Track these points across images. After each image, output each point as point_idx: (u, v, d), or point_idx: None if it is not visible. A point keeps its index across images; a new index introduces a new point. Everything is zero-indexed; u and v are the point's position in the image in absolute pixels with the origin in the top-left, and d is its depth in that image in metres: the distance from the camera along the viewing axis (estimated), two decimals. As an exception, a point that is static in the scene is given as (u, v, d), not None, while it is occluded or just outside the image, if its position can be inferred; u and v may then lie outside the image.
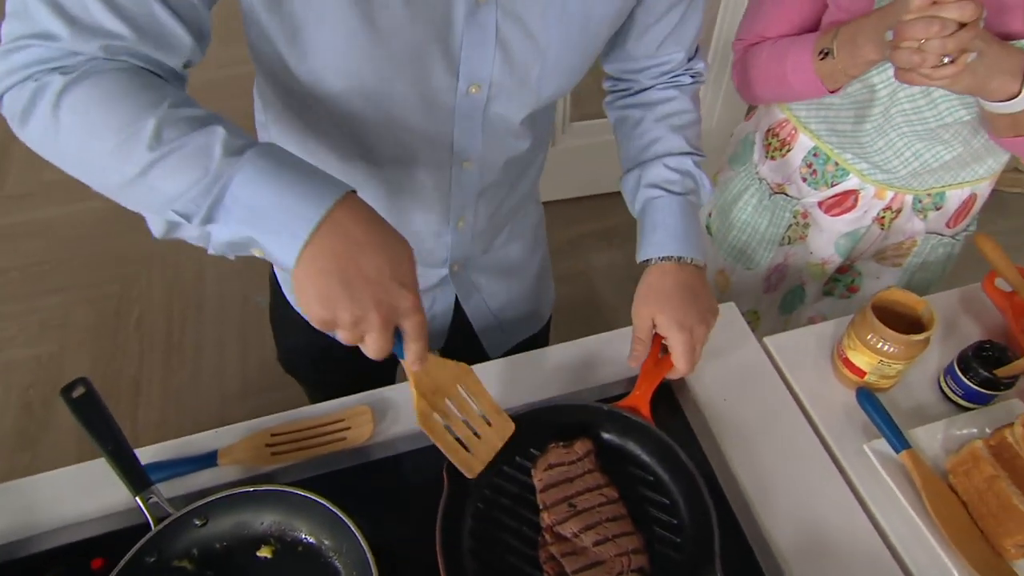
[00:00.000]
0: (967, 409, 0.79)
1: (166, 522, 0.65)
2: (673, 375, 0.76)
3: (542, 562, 0.67)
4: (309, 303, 0.51)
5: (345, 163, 0.71)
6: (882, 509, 0.73)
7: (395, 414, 0.80)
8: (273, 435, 0.77)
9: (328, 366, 0.81)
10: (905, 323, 0.77)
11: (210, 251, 0.54)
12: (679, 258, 0.76)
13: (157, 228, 0.54)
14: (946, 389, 0.81)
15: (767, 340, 0.88)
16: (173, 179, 0.50)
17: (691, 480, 0.70)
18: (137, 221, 0.57)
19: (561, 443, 0.73)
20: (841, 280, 1.10)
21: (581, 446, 0.72)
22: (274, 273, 0.96)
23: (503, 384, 0.82)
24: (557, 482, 0.70)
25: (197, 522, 0.67)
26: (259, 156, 0.50)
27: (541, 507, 0.69)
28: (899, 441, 0.73)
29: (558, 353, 0.86)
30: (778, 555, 0.70)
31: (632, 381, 0.79)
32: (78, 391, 0.66)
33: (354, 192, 0.52)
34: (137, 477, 0.67)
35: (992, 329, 0.88)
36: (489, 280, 0.92)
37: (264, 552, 0.68)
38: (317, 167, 0.52)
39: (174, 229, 0.53)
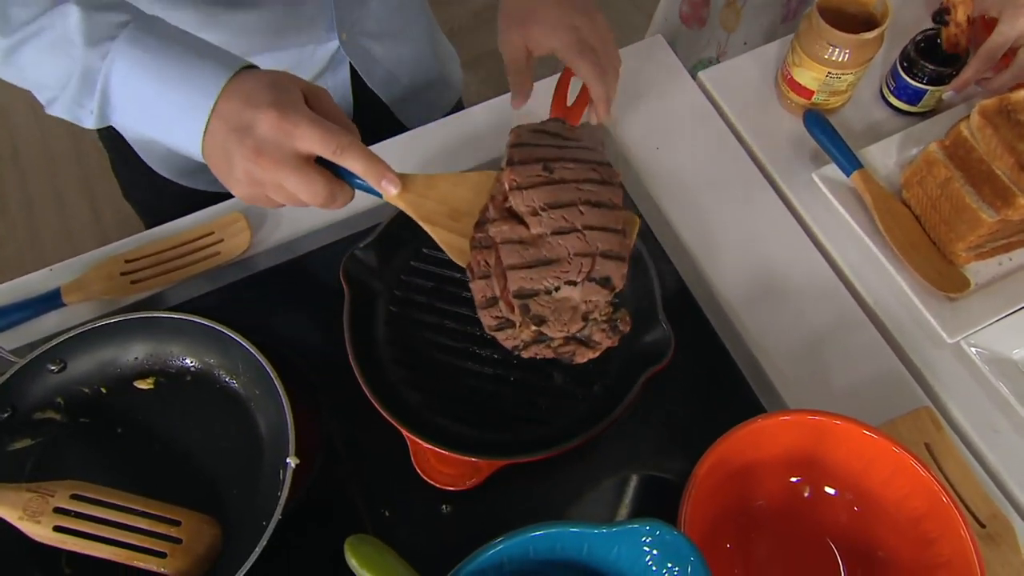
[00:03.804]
0: (907, 114, 0.82)
1: (11, 372, 0.63)
2: (600, 114, 0.69)
3: (471, 247, 0.57)
4: (228, 188, 0.55)
5: None
6: (834, 239, 0.77)
7: (275, 218, 0.77)
8: (128, 261, 0.73)
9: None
10: (856, 26, 0.76)
11: None
12: None
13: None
14: (887, 94, 0.83)
15: (702, 75, 0.86)
16: (41, 69, 0.55)
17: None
18: None
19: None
20: None
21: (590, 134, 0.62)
22: (108, 135, 0.89)
23: (419, 156, 0.81)
24: (538, 143, 0.58)
25: (52, 367, 0.65)
26: (129, 45, 0.53)
27: (505, 163, 0.57)
28: (850, 162, 0.76)
29: (473, 117, 0.83)
30: (725, 304, 0.74)
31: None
32: None
33: (245, 69, 0.53)
34: (-43, 328, 0.63)
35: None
36: (383, 46, 0.89)
37: (144, 383, 0.67)
38: (198, 42, 0.55)
39: None
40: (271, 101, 0.50)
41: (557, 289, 0.54)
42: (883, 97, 0.84)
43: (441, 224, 0.57)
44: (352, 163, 0.52)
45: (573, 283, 0.54)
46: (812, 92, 0.79)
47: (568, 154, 0.57)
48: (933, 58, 0.77)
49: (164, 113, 0.54)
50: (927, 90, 0.78)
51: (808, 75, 0.78)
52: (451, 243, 0.57)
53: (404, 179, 0.55)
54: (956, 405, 0.69)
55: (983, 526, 0.63)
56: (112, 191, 1.83)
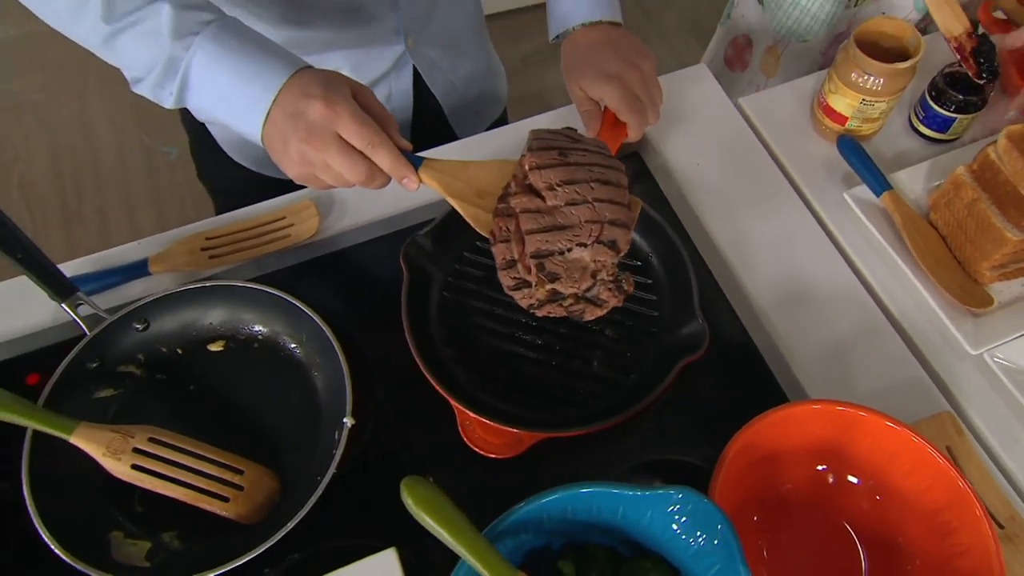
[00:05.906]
0: (935, 142, 0.86)
1: (102, 326, 0.68)
2: (631, 138, 0.78)
3: (494, 216, 0.64)
4: (282, 168, 0.63)
5: None
6: (862, 254, 0.80)
7: (342, 207, 0.82)
8: (208, 238, 0.79)
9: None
10: (891, 58, 0.80)
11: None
12: (590, 23, 0.79)
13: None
14: (916, 123, 0.87)
15: (742, 101, 0.91)
16: (134, 54, 0.63)
17: (662, 234, 0.75)
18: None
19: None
20: None
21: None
22: (192, 121, 0.97)
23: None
24: (555, 138, 0.65)
25: (137, 326, 0.70)
26: (209, 41, 0.61)
27: (526, 151, 0.64)
28: (880, 183, 0.79)
29: (520, 131, 0.89)
30: (757, 308, 0.77)
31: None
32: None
33: (303, 69, 0.62)
34: (59, 284, 0.69)
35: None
36: (443, 54, 0.95)
37: (216, 346, 0.72)
38: (268, 43, 0.63)
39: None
40: (321, 93, 0.59)
41: (569, 250, 0.60)
42: (912, 127, 0.88)
43: (468, 200, 0.64)
44: (381, 160, 0.60)
45: (584, 245, 0.60)
46: (846, 119, 0.83)
47: (580, 146, 0.65)
48: (960, 88, 0.81)
49: (234, 101, 0.62)
50: (955, 118, 0.82)
51: (843, 102, 0.82)
52: (476, 216, 0.64)
53: (439, 163, 0.63)
54: (977, 414, 0.71)
55: (1001, 527, 0.64)
56: (178, 199, 1.93)
